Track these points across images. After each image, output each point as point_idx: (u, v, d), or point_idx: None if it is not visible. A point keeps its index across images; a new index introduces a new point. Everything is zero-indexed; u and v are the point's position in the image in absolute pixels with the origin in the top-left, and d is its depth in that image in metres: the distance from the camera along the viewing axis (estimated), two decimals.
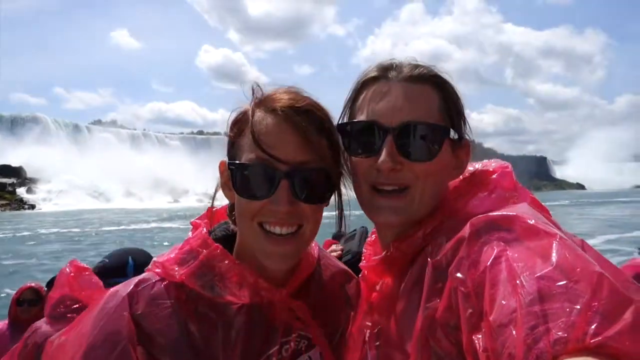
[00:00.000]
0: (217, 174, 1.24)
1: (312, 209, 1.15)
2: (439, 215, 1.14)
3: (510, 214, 0.93)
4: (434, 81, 1.17)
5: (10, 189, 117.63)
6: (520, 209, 0.97)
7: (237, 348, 1.12)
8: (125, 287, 1.13)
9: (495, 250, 0.86)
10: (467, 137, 1.23)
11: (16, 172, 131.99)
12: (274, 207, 1.10)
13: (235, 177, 1.14)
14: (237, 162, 1.13)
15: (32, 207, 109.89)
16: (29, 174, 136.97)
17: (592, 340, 0.65)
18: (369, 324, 1.27)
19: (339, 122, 1.24)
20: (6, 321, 5.02)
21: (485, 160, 1.26)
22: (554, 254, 0.79)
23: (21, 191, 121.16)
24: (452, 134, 1.16)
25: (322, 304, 1.31)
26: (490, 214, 0.97)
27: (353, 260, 1.78)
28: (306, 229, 1.16)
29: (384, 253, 1.21)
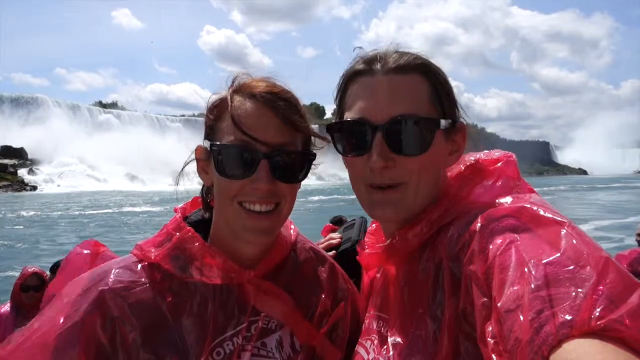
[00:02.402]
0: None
1: (289, 188, 1.23)
2: (445, 202, 1.13)
3: (521, 205, 0.93)
4: (421, 70, 1.13)
5: (11, 170, 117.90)
6: (530, 200, 0.96)
7: (206, 325, 1.18)
8: (102, 267, 1.25)
9: (505, 241, 0.86)
10: (462, 120, 1.20)
11: (18, 154, 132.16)
12: (255, 185, 1.17)
13: (216, 158, 1.19)
14: (219, 143, 1.19)
15: (34, 188, 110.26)
16: (31, 156, 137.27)
17: (598, 323, 0.65)
18: (372, 310, 1.29)
19: (328, 124, 1.24)
20: (8, 304, 5.18)
21: (487, 151, 1.24)
22: (562, 241, 0.79)
23: (22, 172, 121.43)
24: (444, 124, 1.13)
25: (294, 286, 1.35)
26: (500, 206, 0.97)
27: (352, 248, 1.82)
28: (283, 207, 1.24)
29: (388, 241, 1.21)
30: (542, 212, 0.88)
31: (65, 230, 30.58)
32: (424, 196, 1.14)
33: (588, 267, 0.72)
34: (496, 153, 1.20)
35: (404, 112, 1.09)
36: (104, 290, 1.16)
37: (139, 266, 1.24)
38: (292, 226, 1.51)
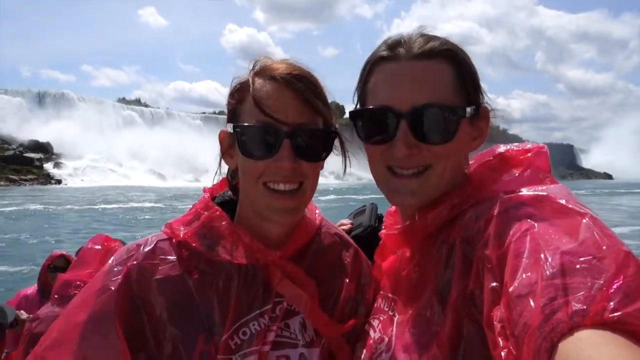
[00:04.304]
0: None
1: (312, 167, 1.25)
2: (468, 188, 1.12)
3: (541, 194, 0.92)
4: (446, 55, 1.11)
5: (37, 164, 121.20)
6: (553, 189, 0.94)
7: (231, 303, 1.21)
8: (133, 244, 1.29)
9: (522, 227, 0.85)
10: (487, 105, 1.18)
11: (44, 148, 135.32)
12: (278, 164, 1.18)
13: (240, 140, 1.22)
14: (242, 125, 1.21)
15: (59, 182, 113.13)
16: (56, 150, 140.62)
17: (611, 315, 0.64)
18: (382, 291, 1.30)
19: (352, 110, 1.24)
20: (35, 286, 5.34)
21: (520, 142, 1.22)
22: (581, 231, 0.77)
23: (48, 166, 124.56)
24: (469, 112, 1.11)
25: (317, 270, 1.37)
26: (521, 193, 0.96)
27: (364, 233, 1.84)
28: (307, 186, 1.26)
29: (407, 222, 1.20)
30: (563, 202, 0.87)
31: (80, 222, 31.48)
32: (446, 182, 1.14)
33: (607, 259, 0.70)
34: (529, 144, 1.18)
35: (429, 101, 1.07)
36: (132, 266, 1.21)
37: (168, 244, 1.27)
38: (317, 211, 1.51)
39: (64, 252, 5.51)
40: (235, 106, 1.26)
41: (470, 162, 1.23)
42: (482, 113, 1.17)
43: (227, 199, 1.42)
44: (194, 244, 1.25)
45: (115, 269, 1.21)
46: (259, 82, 1.21)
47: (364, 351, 1.22)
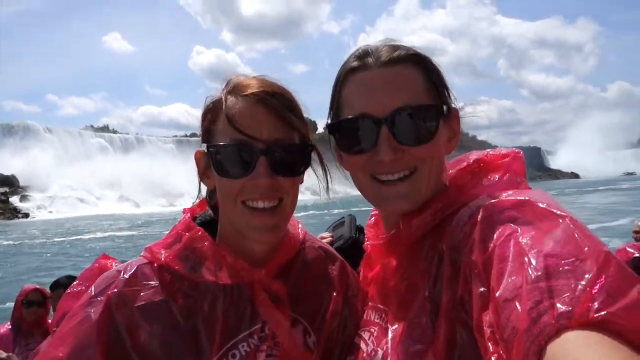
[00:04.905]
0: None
1: (290, 182, 1.23)
2: (450, 193, 1.13)
3: (523, 198, 0.93)
4: (413, 60, 1.14)
5: (3, 198, 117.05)
6: (533, 194, 0.96)
7: (218, 325, 1.18)
8: (111, 271, 1.26)
9: (506, 232, 0.86)
10: (455, 106, 1.20)
11: (9, 181, 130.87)
12: (255, 182, 1.16)
13: (215, 159, 1.19)
14: (216, 144, 1.19)
15: (26, 215, 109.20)
16: (22, 183, 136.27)
17: (596, 315, 0.65)
18: (371, 302, 1.30)
19: (328, 122, 1.24)
20: (8, 323, 5.06)
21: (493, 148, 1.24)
22: (563, 234, 0.79)
23: (14, 200, 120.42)
24: (445, 110, 1.14)
25: (303, 285, 1.35)
26: (503, 198, 0.97)
27: (346, 245, 1.82)
28: (287, 202, 1.24)
29: (392, 232, 1.20)
30: (544, 206, 0.88)
31: (47, 256, 30.42)
32: (433, 183, 1.15)
33: (588, 261, 0.72)
34: (503, 150, 1.20)
35: (406, 103, 1.09)
36: (113, 294, 1.17)
37: (149, 268, 1.23)
38: (300, 225, 1.49)
39: (37, 286, 5.31)
40: (209, 126, 1.24)
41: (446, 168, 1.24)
42: (453, 114, 1.18)
43: (208, 218, 1.39)
44: (176, 267, 1.22)
45: (95, 299, 1.17)
46: (231, 100, 1.19)
47: None
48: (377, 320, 1.22)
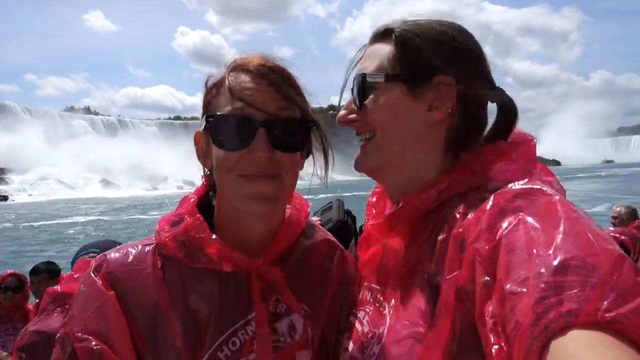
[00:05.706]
0: (198, 162, 1.31)
1: (289, 158, 1.19)
2: (456, 173, 1.11)
3: (534, 187, 0.92)
4: (391, 36, 1.19)
5: None
6: (546, 183, 0.95)
7: (214, 313, 1.18)
8: (115, 249, 1.27)
9: (514, 221, 0.85)
10: (447, 76, 1.13)
11: None
12: (253, 155, 1.14)
13: (213, 130, 1.19)
14: (214, 114, 1.19)
15: (5, 198, 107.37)
16: (1, 165, 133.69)
17: (605, 315, 0.64)
18: (366, 282, 1.29)
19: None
20: None
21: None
22: (575, 229, 0.77)
23: None
24: (391, 78, 1.15)
25: (302, 272, 1.34)
26: (513, 187, 0.95)
27: (335, 227, 1.84)
28: (285, 177, 1.20)
29: (393, 208, 1.20)
30: (555, 198, 0.86)
31: (23, 241, 30.06)
32: (397, 145, 1.16)
33: (600, 259, 0.71)
34: (517, 133, 1.17)
35: (361, 71, 1.20)
36: (107, 273, 1.19)
37: (149, 249, 1.25)
38: (308, 209, 1.45)
39: (16, 271, 5.24)
40: (211, 100, 1.24)
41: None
42: (434, 84, 1.12)
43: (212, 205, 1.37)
44: (171, 250, 1.22)
45: (93, 279, 1.19)
46: (233, 74, 1.21)
47: (352, 344, 1.19)
48: (372, 301, 1.22)
